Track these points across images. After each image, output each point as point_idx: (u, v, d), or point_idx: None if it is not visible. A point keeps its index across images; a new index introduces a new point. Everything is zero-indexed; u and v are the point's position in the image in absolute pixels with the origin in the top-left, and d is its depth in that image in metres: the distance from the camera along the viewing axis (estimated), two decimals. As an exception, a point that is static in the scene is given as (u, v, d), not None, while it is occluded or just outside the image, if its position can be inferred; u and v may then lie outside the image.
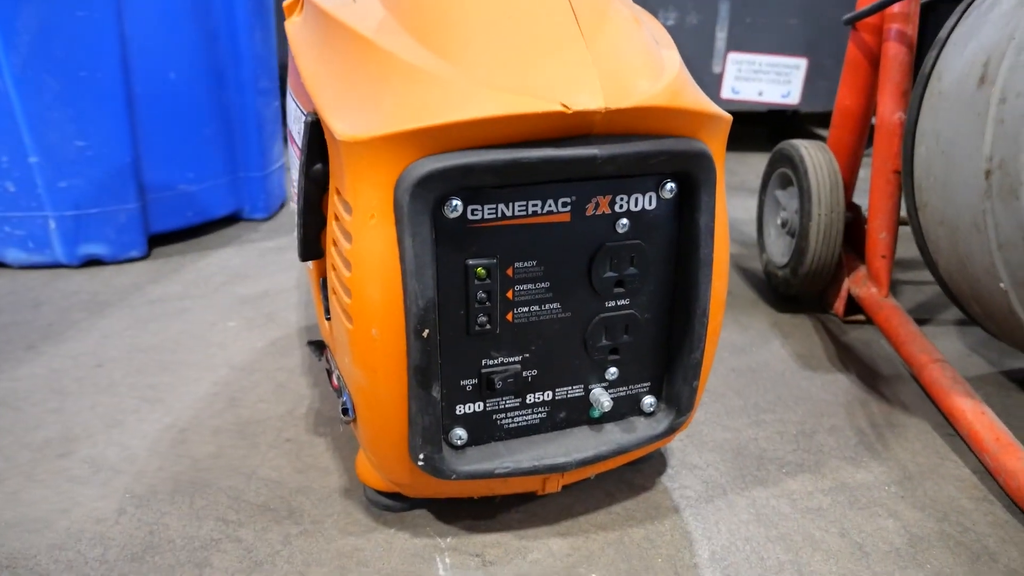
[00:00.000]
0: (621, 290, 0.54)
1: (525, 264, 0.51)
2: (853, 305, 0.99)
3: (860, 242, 1.02)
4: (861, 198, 1.07)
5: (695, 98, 0.50)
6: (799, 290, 1.02)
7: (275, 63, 1.38)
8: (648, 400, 0.59)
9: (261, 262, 1.18)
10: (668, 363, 0.58)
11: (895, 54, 0.89)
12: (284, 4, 0.73)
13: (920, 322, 1.02)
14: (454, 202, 0.47)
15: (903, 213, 0.95)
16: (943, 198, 0.74)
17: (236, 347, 0.90)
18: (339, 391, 0.59)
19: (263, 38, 1.30)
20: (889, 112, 0.89)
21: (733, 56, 1.92)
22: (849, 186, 1.03)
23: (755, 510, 0.64)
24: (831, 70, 1.90)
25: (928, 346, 0.82)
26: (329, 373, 0.63)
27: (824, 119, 2.18)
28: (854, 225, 1.02)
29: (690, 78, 0.53)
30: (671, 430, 0.59)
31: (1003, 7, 0.69)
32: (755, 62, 1.93)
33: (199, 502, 0.63)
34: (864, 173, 1.03)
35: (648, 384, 0.59)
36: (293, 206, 0.70)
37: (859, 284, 0.96)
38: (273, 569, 0.56)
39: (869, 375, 0.87)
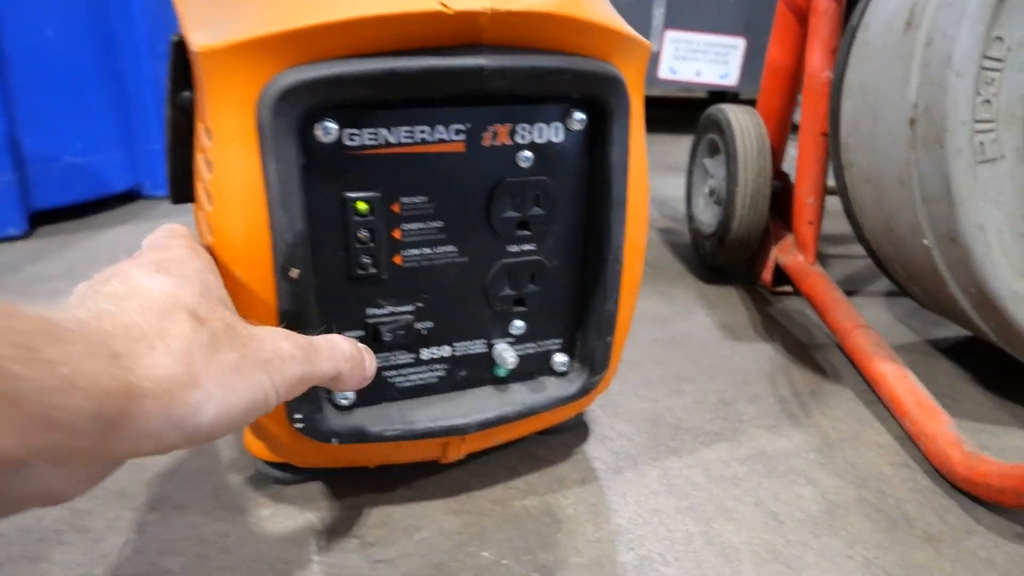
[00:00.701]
0: (525, 233, 0.49)
1: (414, 200, 0.46)
2: (781, 276, 0.95)
3: (788, 212, 0.98)
4: (792, 168, 1.04)
5: (604, 13, 0.45)
6: (726, 260, 0.98)
7: (175, 27, 1.29)
8: (560, 358, 0.54)
9: (157, 236, 1.10)
10: (581, 316, 0.53)
11: (824, 9, 0.85)
12: None
13: (848, 293, 0.99)
14: (328, 124, 0.41)
15: (833, 184, 0.92)
16: (869, 154, 0.70)
17: (115, 321, 0.82)
18: None
19: (161, -2, 1.22)
20: (818, 71, 0.86)
21: (671, 34, 1.89)
22: (778, 153, 0.99)
23: (667, 481, 0.59)
24: (765, 50, 1.88)
25: (853, 312, 0.78)
26: None
27: (759, 103, 2.16)
28: (783, 194, 0.99)
29: None
30: (585, 391, 0.54)
31: (925, -53, 0.65)
32: (693, 41, 1.90)
33: (47, 486, 0.56)
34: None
35: (559, 341, 0.54)
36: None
37: (786, 252, 0.93)
38: (121, 561, 0.49)
39: (794, 344, 0.83)
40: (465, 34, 0.41)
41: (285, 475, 0.57)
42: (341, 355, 0.40)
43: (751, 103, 1.01)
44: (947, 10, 0.59)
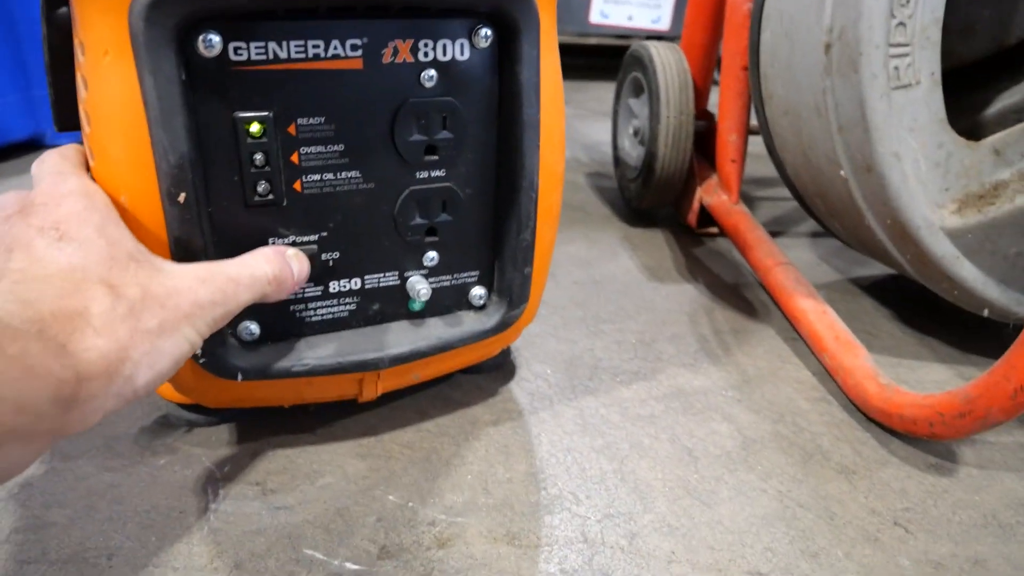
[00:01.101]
0: (434, 158, 0.47)
1: (311, 121, 0.43)
2: (706, 217, 0.94)
3: (713, 152, 0.97)
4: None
5: None
6: (651, 201, 0.96)
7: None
8: (477, 291, 0.52)
9: (58, 183, 1.03)
10: (497, 248, 0.51)
11: (743, -59, 0.83)
12: None
13: (773, 234, 0.99)
14: (210, 36, 0.38)
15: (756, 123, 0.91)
16: (787, 84, 0.69)
17: (6, 271, 0.77)
18: None
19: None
20: (739, 2, 0.84)
21: (601, -21, 1.85)
22: (703, 91, 0.97)
23: (582, 420, 0.57)
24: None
25: (774, 250, 0.78)
26: None
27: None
28: (707, 134, 0.97)
29: None
30: (504, 325, 0.52)
31: None
32: None
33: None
34: (717, 79, 0.98)
35: (476, 273, 0.52)
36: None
37: (710, 193, 0.92)
38: (2, 515, 0.46)
39: (717, 284, 0.83)
40: None
41: (198, 417, 0.54)
42: (263, 281, 0.40)
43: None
44: (864, -68, 0.58)
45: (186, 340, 0.35)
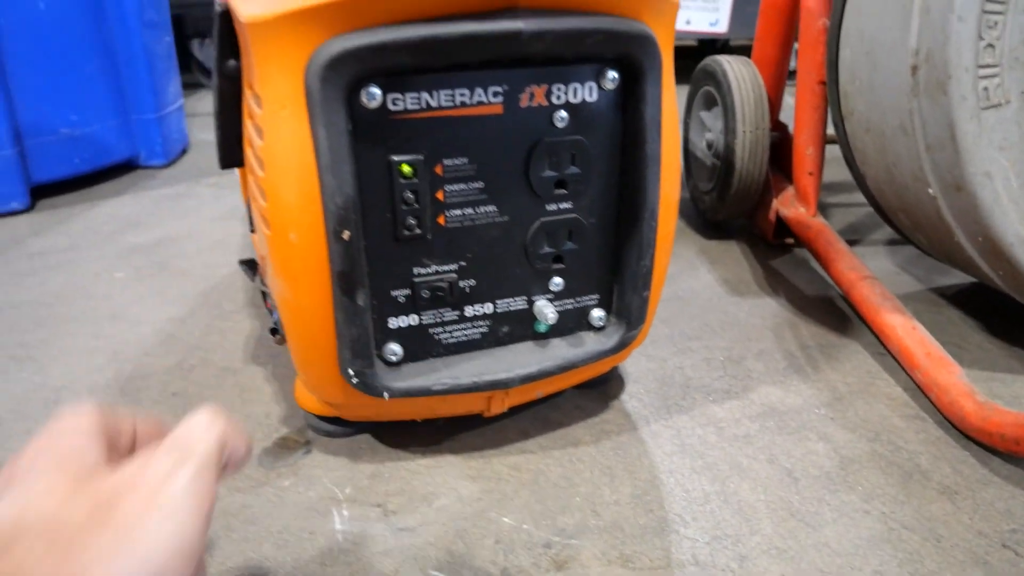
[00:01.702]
0: (563, 191, 0.50)
1: (456, 161, 0.47)
2: (782, 228, 0.95)
3: (787, 163, 0.98)
4: (788, 118, 1.03)
5: None
6: (727, 214, 0.97)
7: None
8: (597, 313, 0.55)
9: (156, 210, 1.09)
10: (617, 272, 0.54)
11: (819, -44, 0.84)
12: None
13: (850, 243, 0.99)
14: (372, 89, 0.43)
15: (832, 132, 0.91)
16: (869, 102, 0.69)
17: (122, 298, 0.82)
18: (271, 310, 0.55)
19: (146, -36, 1.19)
20: (814, 18, 0.84)
21: (661, -16, 1.85)
22: (775, 103, 0.98)
23: (679, 441, 0.59)
24: (760, -5, 1.85)
25: (857, 263, 0.79)
26: (264, 295, 0.60)
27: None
28: (781, 145, 0.98)
29: None
30: (622, 345, 0.55)
31: None
32: None
33: (69, 467, 0.56)
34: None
35: (597, 296, 0.55)
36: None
37: (787, 204, 0.93)
38: (148, 535, 0.50)
39: (798, 298, 0.84)
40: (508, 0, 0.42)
41: (335, 428, 0.59)
42: (209, 502, 0.30)
43: (740, 50, 1.00)
44: (952, -45, 0.58)
45: None
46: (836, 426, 0.62)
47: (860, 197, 0.87)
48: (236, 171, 1.22)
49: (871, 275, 0.76)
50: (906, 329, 0.68)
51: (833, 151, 0.92)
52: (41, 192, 1.13)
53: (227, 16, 0.47)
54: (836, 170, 1.14)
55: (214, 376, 0.68)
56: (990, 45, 0.57)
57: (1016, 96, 0.59)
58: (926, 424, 0.62)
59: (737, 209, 0.96)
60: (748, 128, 0.90)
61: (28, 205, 1.08)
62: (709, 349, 0.73)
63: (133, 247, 0.96)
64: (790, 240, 0.96)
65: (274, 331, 0.53)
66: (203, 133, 1.51)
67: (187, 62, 1.90)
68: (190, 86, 1.85)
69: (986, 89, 0.58)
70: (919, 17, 0.60)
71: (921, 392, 0.65)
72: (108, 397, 0.64)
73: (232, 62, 0.48)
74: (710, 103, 1.01)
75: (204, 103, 1.83)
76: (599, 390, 0.66)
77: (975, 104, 0.58)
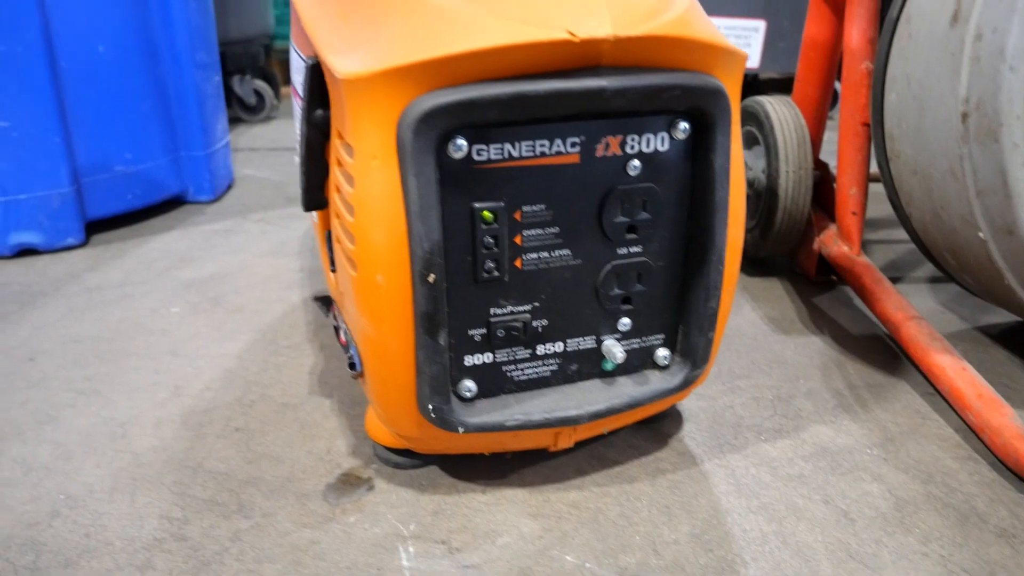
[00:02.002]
0: (633, 236, 0.53)
1: (534, 208, 0.49)
2: (824, 265, 0.96)
3: (829, 201, 0.99)
4: (827, 156, 1.05)
5: (708, 31, 0.48)
6: (769, 251, 0.99)
7: (213, 36, 1.31)
8: (662, 353, 0.57)
9: (207, 245, 1.12)
10: (683, 313, 0.56)
11: (860, 1, 0.86)
12: None
13: (893, 279, 1.00)
14: (459, 141, 0.45)
15: (872, 169, 0.92)
16: (916, 146, 0.71)
17: (180, 333, 0.85)
18: (346, 346, 0.57)
19: (198, 8, 1.23)
20: (857, 61, 0.86)
21: (691, 20, 1.88)
22: (816, 143, 1.00)
23: (735, 480, 0.60)
24: (789, 32, 1.87)
25: (903, 303, 0.79)
26: (336, 329, 0.62)
27: (784, 84, 2.16)
28: (822, 183, 0.99)
29: (701, 10, 0.50)
30: (686, 383, 0.57)
31: (975, -58, 0.66)
32: (716, 25, 1.90)
33: (140, 500, 0.58)
34: (831, 131, 1.00)
35: (662, 336, 0.57)
36: (296, 160, 0.67)
37: (830, 243, 0.94)
38: (221, 568, 0.52)
39: (844, 336, 0.84)
40: (587, 58, 0.44)
41: (404, 460, 0.61)
42: None
43: (770, 83, 1.01)
44: (997, 5, 0.60)
45: None
46: (889, 467, 0.62)
47: (901, 233, 0.88)
48: (282, 210, 1.25)
49: (918, 315, 0.77)
50: (956, 370, 0.69)
51: (875, 187, 0.93)
52: (95, 227, 1.17)
53: (318, 69, 0.50)
54: (876, 206, 1.15)
55: (274, 411, 0.69)
56: (1040, 94, 0.59)
57: (1066, 143, 0.60)
58: (980, 466, 0.62)
59: (780, 247, 0.98)
60: (791, 168, 0.91)
61: (83, 240, 1.12)
62: (758, 388, 0.74)
63: (187, 282, 0.99)
64: (832, 278, 0.97)
65: (352, 365, 0.56)
66: (246, 168, 1.55)
67: (228, 98, 1.95)
68: (230, 121, 1.90)
69: (1037, 136, 0.59)
70: (969, 66, 0.61)
71: (972, 433, 0.66)
72: (172, 432, 0.66)
73: (320, 112, 0.51)
74: (751, 142, 1.03)
75: (245, 138, 1.87)
76: (654, 427, 0.67)
77: (1026, 151, 0.59)
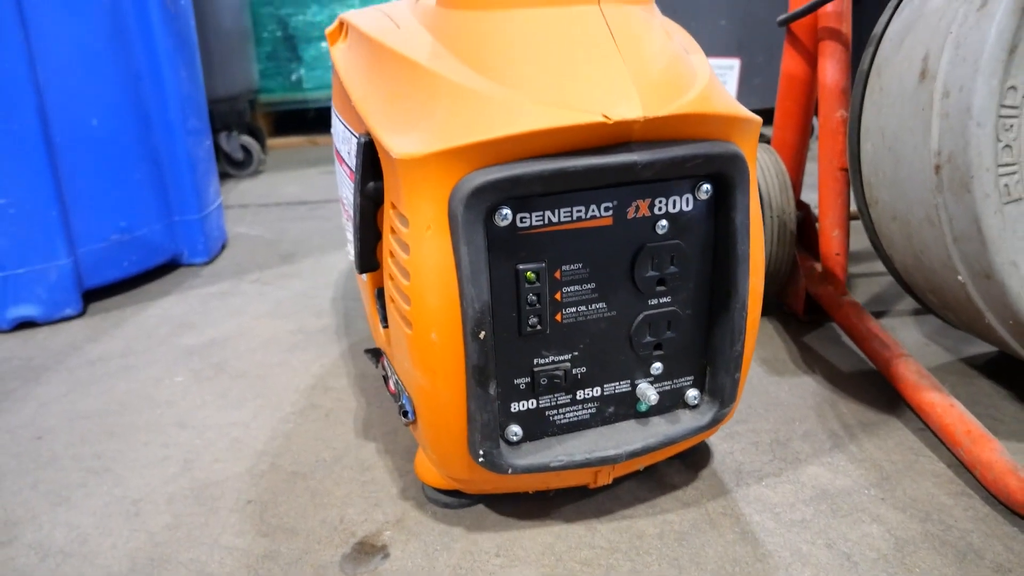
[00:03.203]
0: (663, 288, 0.57)
1: (572, 267, 0.54)
2: (813, 304, 0.99)
3: (812, 240, 1.02)
4: (807, 195, 1.08)
5: (726, 102, 0.53)
6: (757, 293, 1.01)
7: (204, 101, 1.34)
8: (692, 393, 0.61)
9: (204, 309, 1.14)
10: (710, 356, 0.60)
11: (832, 52, 0.90)
12: (327, 32, 0.80)
13: (877, 314, 1.03)
14: (504, 211, 0.50)
15: (853, 207, 0.96)
16: (894, 194, 0.74)
17: (185, 404, 0.86)
18: (396, 395, 0.62)
19: (189, 76, 1.26)
20: (831, 110, 0.90)
21: (666, 60, 1.94)
22: (797, 185, 1.03)
23: (739, 528, 0.62)
24: (763, 67, 1.93)
25: (891, 341, 0.82)
26: (385, 379, 0.67)
27: (762, 115, 2.21)
28: (805, 223, 1.03)
29: (719, 83, 0.55)
30: (715, 421, 0.61)
31: (935, 3, 0.69)
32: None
33: (158, 579, 0.59)
34: (811, 167, 1.04)
35: (691, 378, 0.61)
36: (345, 222, 0.73)
37: (816, 283, 0.96)
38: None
39: (835, 374, 0.87)
40: (619, 136, 0.50)
41: (453, 500, 0.66)
42: None
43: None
44: (961, 64, 0.63)
45: None
46: (887, 507, 0.64)
47: (881, 266, 0.90)
48: (277, 268, 1.27)
49: (905, 352, 0.80)
50: (944, 407, 0.71)
51: (858, 222, 0.96)
52: (91, 295, 1.18)
53: (371, 146, 0.56)
54: (860, 238, 1.18)
55: (284, 481, 0.71)
56: (1007, 146, 0.62)
57: (1035, 190, 0.63)
58: (973, 500, 0.64)
59: (767, 289, 1.00)
60: (775, 213, 0.94)
61: (81, 310, 1.13)
62: (756, 432, 0.76)
63: (188, 349, 1.00)
64: (822, 316, 1.00)
65: (405, 413, 0.59)
66: (238, 227, 1.57)
67: (215, 154, 1.97)
68: (219, 176, 1.92)
69: (1007, 185, 0.62)
70: (939, 121, 0.65)
71: (965, 468, 0.68)
72: (185, 507, 0.68)
73: (373, 184, 0.57)
74: (732, 186, 1.06)
75: (234, 194, 1.90)
76: (658, 478, 0.69)
77: (998, 200, 0.62)
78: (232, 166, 2.07)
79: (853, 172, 0.82)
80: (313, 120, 2.70)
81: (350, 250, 0.72)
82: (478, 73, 0.51)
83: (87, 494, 0.70)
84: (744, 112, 0.54)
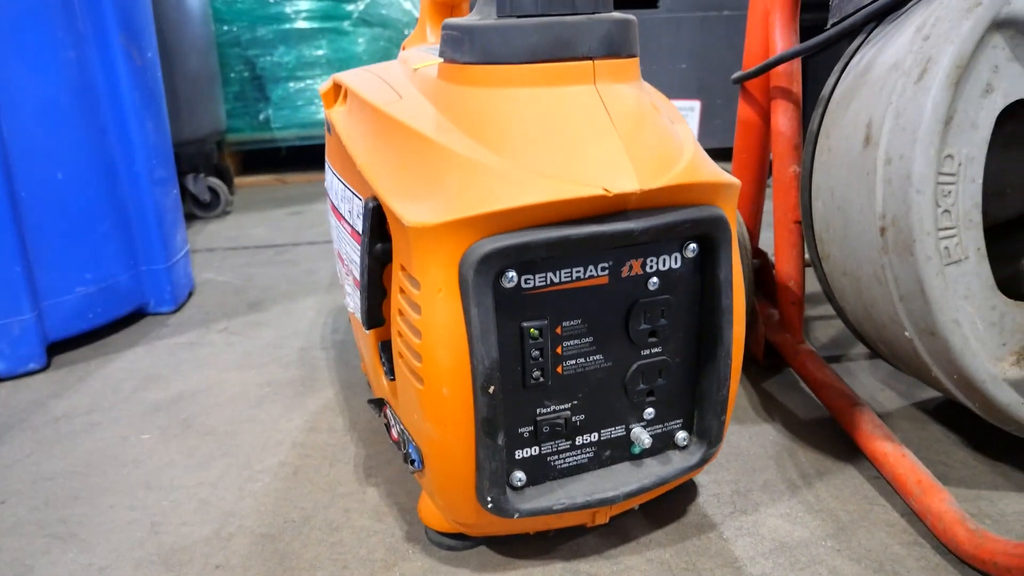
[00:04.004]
0: (654, 339, 0.61)
1: (571, 323, 0.58)
2: (771, 349, 1.01)
3: (770, 286, 1.05)
4: (765, 240, 1.11)
5: (711, 170, 0.59)
6: (718, 339, 1.04)
7: (170, 151, 1.34)
8: (681, 435, 0.66)
9: (171, 361, 1.13)
10: (698, 401, 0.65)
11: (784, 110, 0.93)
12: (321, 92, 0.84)
13: (834, 358, 1.06)
14: (510, 274, 0.54)
15: (808, 255, 0.99)
16: (844, 250, 0.77)
17: (152, 463, 0.86)
18: (399, 443, 0.66)
19: (156, 128, 1.27)
20: (784, 166, 0.93)
21: (629, 102, 1.98)
22: (754, 234, 1.06)
23: (702, 585, 0.64)
24: (723, 109, 1.98)
25: (846, 390, 0.85)
26: (388, 427, 0.71)
27: (721, 153, 2.27)
28: (763, 271, 1.06)
29: (702, 151, 0.60)
30: (704, 460, 0.65)
31: (877, 71, 0.73)
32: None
33: (125, 651, 0.59)
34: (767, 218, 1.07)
35: (681, 420, 0.66)
36: (341, 274, 0.76)
37: (774, 330, 0.99)
38: None
39: (794, 421, 0.89)
40: (617, 205, 0.55)
41: (457, 543, 0.69)
42: None
43: (709, 151, 1.08)
44: (900, 134, 0.67)
45: None
46: (843, 558, 0.66)
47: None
48: (245, 317, 1.27)
49: (860, 401, 0.82)
50: (896, 457, 0.74)
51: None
52: (56, 348, 1.17)
53: (379, 210, 0.60)
54: (813, 281, 1.22)
55: (253, 544, 0.71)
56: (946, 211, 0.65)
57: (973, 252, 0.66)
58: (925, 550, 0.67)
59: (726, 334, 1.03)
60: (732, 264, 0.97)
61: (45, 364, 1.12)
62: (717, 483, 0.78)
63: (155, 405, 1.00)
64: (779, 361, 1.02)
65: (412, 462, 0.62)
66: (206, 272, 1.57)
67: (182, 197, 1.97)
68: (186, 218, 1.91)
69: (947, 248, 0.66)
70: (882, 186, 0.68)
71: (917, 517, 0.70)
72: (154, 574, 0.67)
73: (380, 246, 0.61)
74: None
75: (202, 236, 1.89)
76: (623, 534, 0.70)
77: (939, 262, 0.65)
78: (199, 208, 2.06)
79: (806, 227, 0.85)
80: (282, 159, 2.71)
81: (348, 302, 0.77)
82: (484, 147, 0.55)
83: (51, 562, 0.70)
84: (726, 178, 0.59)
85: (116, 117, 1.19)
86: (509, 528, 0.65)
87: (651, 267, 0.59)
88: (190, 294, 1.42)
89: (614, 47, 0.57)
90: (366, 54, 2.50)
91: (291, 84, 2.47)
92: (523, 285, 0.55)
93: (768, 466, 0.81)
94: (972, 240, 0.66)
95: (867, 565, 0.65)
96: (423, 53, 0.77)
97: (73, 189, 1.13)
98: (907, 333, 0.71)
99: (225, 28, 2.39)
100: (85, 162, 1.15)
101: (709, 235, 0.58)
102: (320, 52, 2.45)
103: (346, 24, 2.46)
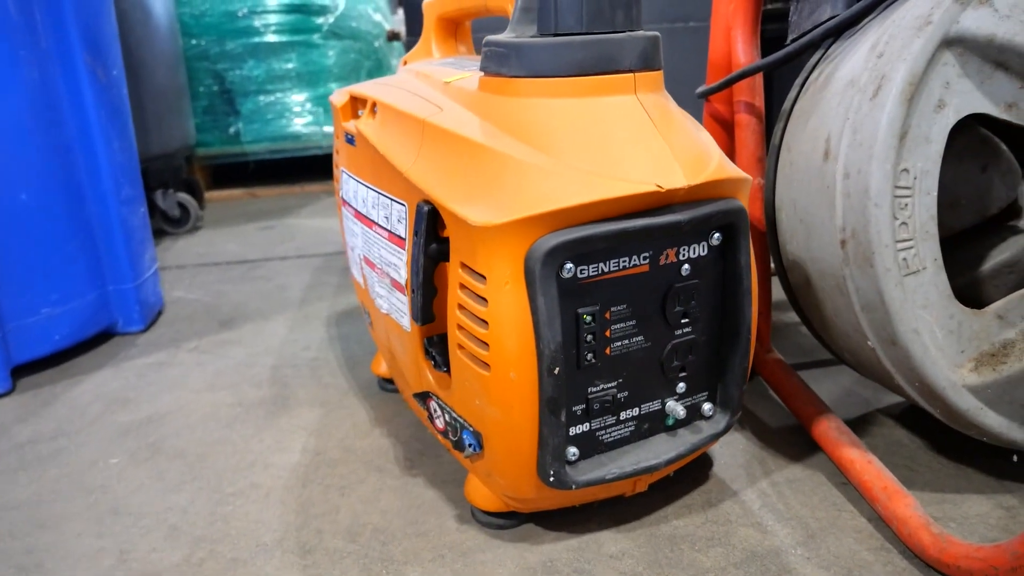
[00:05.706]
0: (686, 320, 0.68)
1: (618, 308, 0.64)
2: (739, 358, 1.02)
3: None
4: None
5: (733, 168, 0.66)
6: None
7: (137, 169, 1.33)
8: (707, 406, 0.73)
9: (141, 383, 1.12)
10: (722, 373, 0.72)
11: (746, 123, 0.95)
12: (338, 107, 0.88)
13: (802, 365, 1.07)
14: (568, 265, 0.60)
15: (773, 265, 1.00)
16: (807, 261, 0.78)
17: (120, 488, 0.85)
18: (450, 431, 0.71)
19: (122, 146, 1.25)
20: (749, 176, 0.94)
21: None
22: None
23: (674, 597, 0.64)
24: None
25: (813, 398, 0.86)
26: (431, 418, 0.75)
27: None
28: (730, 280, 1.07)
29: (725, 155, 0.67)
30: (727, 428, 0.73)
31: (835, 86, 0.75)
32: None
33: None
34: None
35: (707, 393, 0.73)
36: (372, 279, 0.79)
37: (742, 339, 1.00)
38: None
39: (764, 430, 0.90)
40: (666, 200, 0.62)
41: (506, 521, 0.74)
42: None
43: None
44: (858, 149, 0.68)
45: None
46: (812, 566, 0.67)
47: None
48: (215, 335, 1.26)
49: (827, 408, 0.84)
50: (862, 463, 0.75)
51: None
52: (21, 370, 1.15)
53: (434, 213, 0.65)
54: (780, 290, 1.23)
55: (224, 568, 0.70)
56: (904, 223, 0.67)
57: (930, 263, 0.68)
58: (891, 555, 0.68)
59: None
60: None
61: (10, 388, 1.10)
62: (689, 494, 0.78)
63: (123, 428, 0.98)
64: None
65: (468, 446, 0.67)
66: (175, 290, 1.56)
67: (151, 212, 1.95)
68: (155, 233, 1.89)
69: (905, 259, 0.67)
70: (842, 199, 0.69)
71: (884, 523, 0.71)
72: (124, 601, 0.67)
73: (434, 246, 0.66)
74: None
75: (171, 253, 1.87)
76: (577, 554, 0.70)
77: (898, 273, 0.67)
78: (169, 223, 2.05)
79: (771, 237, 0.87)
80: (252, 172, 2.69)
81: (381, 304, 0.82)
82: (538, 151, 0.60)
83: (19, 593, 0.69)
84: (743, 174, 0.66)
85: (81, 136, 1.18)
86: (563, 500, 0.71)
87: (684, 255, 0.65)
88: (159, 313, 1.41)
89: (649, 61, 0.64)
90: (336, 67, 2.50)
91: (261, 98, 2.46)
92: (579, 275, 0.61)
93: (738, 475, 0.81)
94: (929, 251, 0.68)
95: (836, 572, 0.66)
96: (444, 68, 0.82)
97: (37, 210, 1.12)
98: (870, 342, 0.72)
99: (193, 42, 2.37)
100: (49, 182, 1.13)
101: (733, 224, 0.65)
102: (290, 65, 2.44)
103: (316, 37, 2.46)
